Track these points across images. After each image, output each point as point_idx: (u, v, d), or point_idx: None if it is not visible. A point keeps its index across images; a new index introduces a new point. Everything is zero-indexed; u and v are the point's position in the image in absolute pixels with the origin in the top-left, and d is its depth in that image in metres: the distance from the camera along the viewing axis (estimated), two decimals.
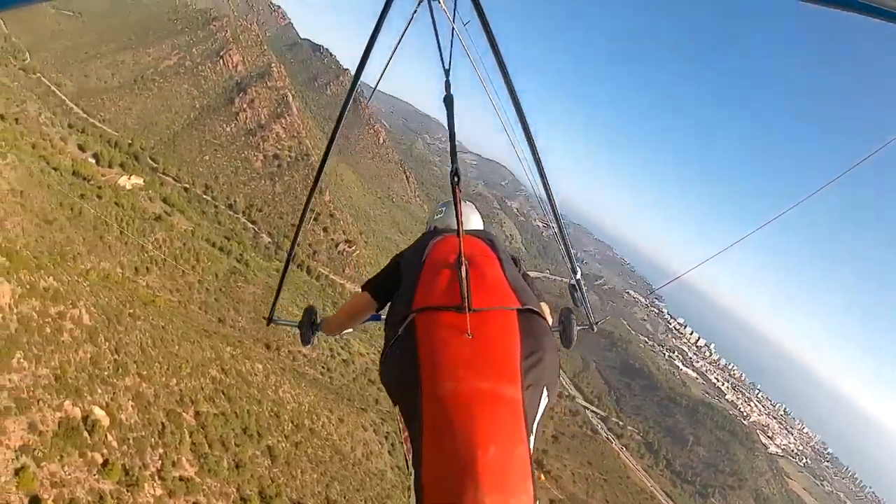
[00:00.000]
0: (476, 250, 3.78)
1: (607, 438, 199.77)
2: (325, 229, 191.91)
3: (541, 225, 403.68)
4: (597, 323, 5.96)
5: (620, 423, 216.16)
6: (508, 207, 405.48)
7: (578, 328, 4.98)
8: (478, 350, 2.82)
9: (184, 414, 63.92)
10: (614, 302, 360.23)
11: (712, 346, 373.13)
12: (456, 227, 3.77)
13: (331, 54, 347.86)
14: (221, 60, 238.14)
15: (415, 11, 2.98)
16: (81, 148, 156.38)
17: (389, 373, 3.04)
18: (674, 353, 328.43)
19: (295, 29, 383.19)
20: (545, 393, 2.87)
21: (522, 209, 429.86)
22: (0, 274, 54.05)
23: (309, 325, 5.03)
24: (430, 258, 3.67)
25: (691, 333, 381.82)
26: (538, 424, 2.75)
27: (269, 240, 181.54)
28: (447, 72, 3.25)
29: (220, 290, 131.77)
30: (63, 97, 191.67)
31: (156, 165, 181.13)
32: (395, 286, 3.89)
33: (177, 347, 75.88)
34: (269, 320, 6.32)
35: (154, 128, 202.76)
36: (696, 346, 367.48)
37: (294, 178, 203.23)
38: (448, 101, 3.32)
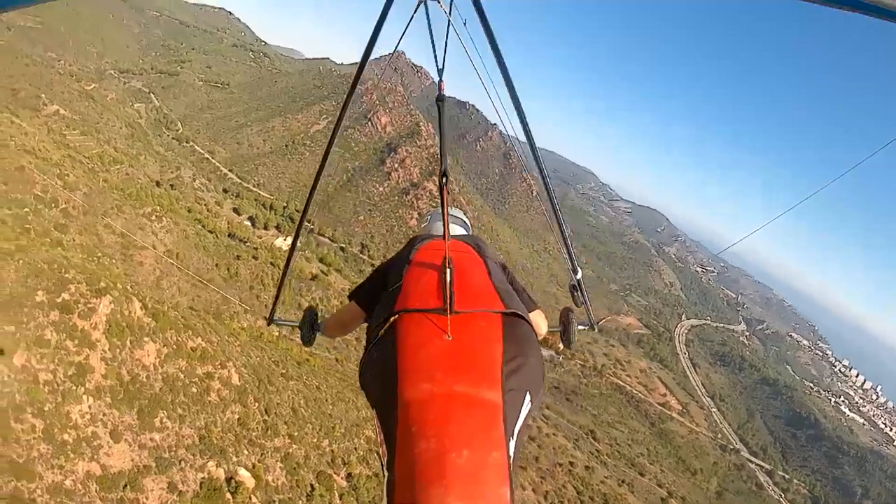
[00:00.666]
0: (462, 254, 3.81)
1: (773, 493, 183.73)
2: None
3: (699, 270, 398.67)
4: (597, 323, 5.80)
5: (786, 476, 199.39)
6: (666, 254, 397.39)
7: (580, 328, 5.01)
8: (458, 353, 2.80)
9: (335, 476, 60.53)
10: (777, 346, 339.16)
11: (879, 389, 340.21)
12: (441, 234, 4.38)
13: (477, 110, 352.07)
14: (370, 122, 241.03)
15: (415, 11, 2.93)
16: (237, 211, 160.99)
17: (368, 374, 3.00)
18: (840, 397, 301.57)
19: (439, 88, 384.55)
20: (527, 398, 2.80)
21: (680, 255, 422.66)
22: (146, 334, 52.18)
23: (309, 326, 4.92)
24: (414, 262, 3.64)
25: (857, 375, 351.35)
26: (519, 430, 2.70)
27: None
28: (440, 72, 3.31)
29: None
30: (217, 164, 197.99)
31: (311, 227, 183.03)
32: (380, 293, 3.83)
33: (331, 407, 74.59)
34: (270, 321, 6.19)
35: (307, 190, 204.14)
36: (863, 389, 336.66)
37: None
38: (441, 101, 3.35)
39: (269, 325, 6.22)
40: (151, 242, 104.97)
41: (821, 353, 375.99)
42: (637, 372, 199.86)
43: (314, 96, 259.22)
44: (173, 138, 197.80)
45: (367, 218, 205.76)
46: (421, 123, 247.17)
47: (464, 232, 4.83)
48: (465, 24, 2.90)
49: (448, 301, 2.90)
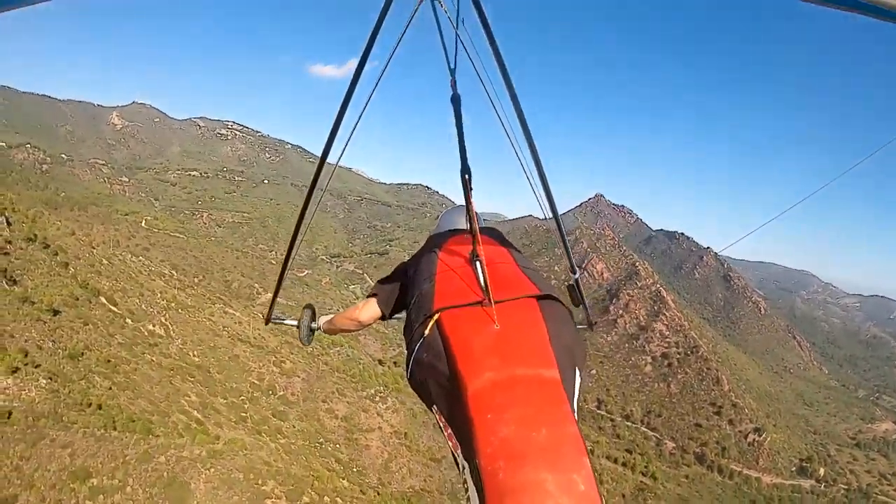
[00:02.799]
0: (488, 245, 3.76)
1: None
2: (730, 421, 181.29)
3: None
4: (595, 322, 6.08)
5: None
6: None
7: (578, 327, 4.38)
8: (509, 339, 2.88)
9: None
10: None
11: None
12: (459, 228, 4.41)
13: (687, 237, 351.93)
14: (586, 272, 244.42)
15: (415, 11, 2.89)
16: None
17: (421, 375, 3.02)
18: None
19: (644, 223, 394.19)
20: (577, 373, 2.94)
21: None
22: None
23: (308, 324, 5.21)
24: (442, 259, 3.69)
25: None
26: (577, 405, 2.80)
27: (673, 444, 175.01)
28: (452, 71, 3.28)
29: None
30: None
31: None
32: (402, 294, 4.09)
33: None
34: (268, 320, 6.30)
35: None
36: None
37: (688, 374, 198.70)
38: (455, 101, 3.36)
39: (266, 324, 6.38)
40: (377, 424, 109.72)
41: None
42: None
43: (525, 253, 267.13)
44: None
45: (600, 370, 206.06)
46: (637, 263, 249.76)
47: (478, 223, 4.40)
48: (462, 22, 3.15)
49: (487, 292, 3.11)
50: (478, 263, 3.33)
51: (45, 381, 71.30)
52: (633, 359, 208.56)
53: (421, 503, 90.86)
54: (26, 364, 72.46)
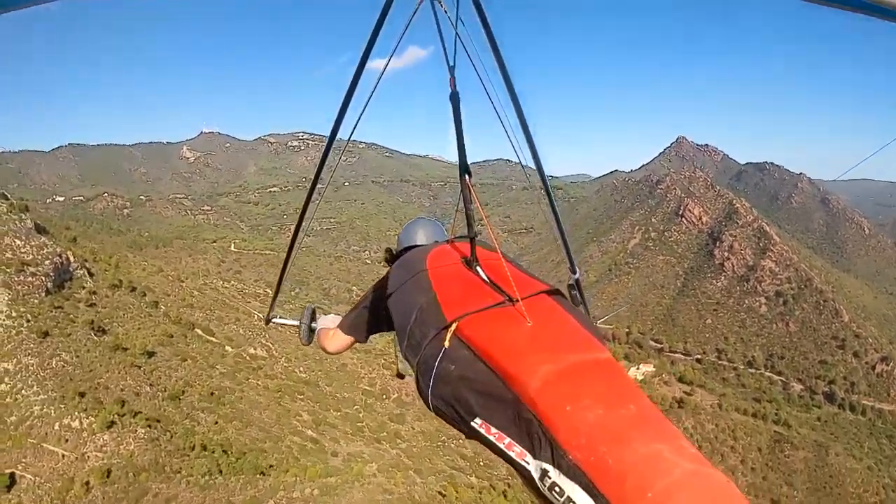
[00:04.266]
0: (480, 249, 3.82)
1: None
2: (854, 354, 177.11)
3: None
4: (596, 322, 5.71)
5: None
6: None
7: None
8: (548, 332, 2.91)
9: None
10: None
11: None
12: (427, 242, 4.71)
13: (777, 166, 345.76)
14: (682, 219, 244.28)
15: (416, 11, 3.04)
16: None
17: (452, 389, 2.83)
18: None
19: (732, 159, 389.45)
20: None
21: None
22: None
23: (308, 324, 5.34)
24: (433, 271, 3.63)
25: None
26: None
27: (801, 386, 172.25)
28: (452, 69, 3.29)
29: (766, 466, 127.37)
30: None
31: (661, 346, 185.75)
32: (376, 316, 4.27)
33: None
34: (268, 320, 6.40)
35: (645, 309, 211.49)
36: None
37: (805, 309, 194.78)
38: (454, 98, 3.34)
39: (266, 324, 6.31)
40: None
41: None
42: None
43: (618, 211, 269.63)
44: None
45: (714, 319, 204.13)
46: (734, 202, 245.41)
47: (444, 236, 4.89)
48: (461, 20, 2.99)
49: (502, 291, 3.13)
50: (478, 268, 3.52)
51: (143, 431, 73.89)
52: (746, 302, 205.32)
53: None
54: (123, 415, 75.05)
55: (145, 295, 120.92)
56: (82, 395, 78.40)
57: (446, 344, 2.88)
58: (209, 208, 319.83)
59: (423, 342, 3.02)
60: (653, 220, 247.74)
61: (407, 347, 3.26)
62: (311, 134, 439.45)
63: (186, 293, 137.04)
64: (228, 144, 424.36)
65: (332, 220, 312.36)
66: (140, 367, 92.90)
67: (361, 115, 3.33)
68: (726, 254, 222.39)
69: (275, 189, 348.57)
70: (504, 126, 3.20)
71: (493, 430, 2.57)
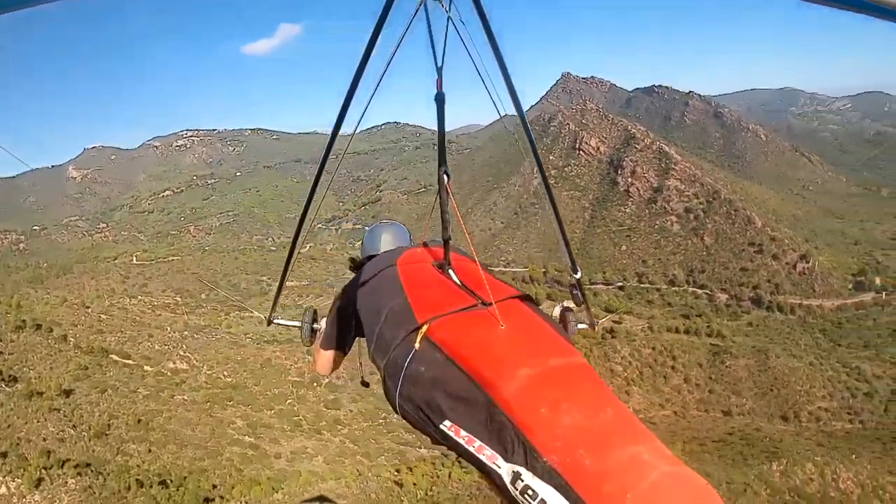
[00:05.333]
0: (450, 255, 3.80)
1: None
2: (773, 256, 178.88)
3: None
4: (597, 322, 5.76)
5: None
6: None
7: (580, 326, 5.06)
8: (522, 336, 2.90)
9: None
10: None
11: None
12: (394, 248, 4.59)
13: (665, 87, 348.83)
14: (580, 152, 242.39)
15: (416, 11, 2.89)
16: None
17: (421, 391, 2.81)
18: None
19: (619, 87, 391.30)
20: None
21: None
22: None
23: (310, 325, 5.00)
24: (403, 273, 3.64)
25: None
26: None
27: (727, 296, 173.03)
28: (440, 70, 3.19)
29: (710, 379, 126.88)
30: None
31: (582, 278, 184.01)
32: (346, 322, 4.14)
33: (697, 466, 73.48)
34: (270, 321, 6.05)
35: (558, 246, 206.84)
36: None
37: (717, 221, 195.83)
38: (439, 99, 3.32)
39: (268, 325, 6.28)
40: None
41: None
42: None
43: (515, 154, 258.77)
44: None
45: (629, 244, 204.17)
46: (629, 127, 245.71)
47: (408, 241, 5.05)
48: (461, 21, 3.08)
49: (474, 294, 3.23)
50: (451, 271, 3.54)
51: (73, 481, 67.60)
52: (657, 223, 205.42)
53: None
54: (50, 467, 68.35)
55: (52, 330, 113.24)
56: (4, 455, 70.42)
57: (417, 346, 2.92)
58: (105, 225, 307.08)
59: (393, 343, 3.07)
60: (551, 157, 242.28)
61: (375, 349, 3.34)
62: (194, 130, 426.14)
63: (94, 319, 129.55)
64: (114, 156, 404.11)
65: (229, 213, 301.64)
66: (59, 410, 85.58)
67: (363, 116, 3.48)
68: (630, 179, 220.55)
69: (168, 193, 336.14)
70: (505, 125, 3.69)
71: (463, 433, 2.60)
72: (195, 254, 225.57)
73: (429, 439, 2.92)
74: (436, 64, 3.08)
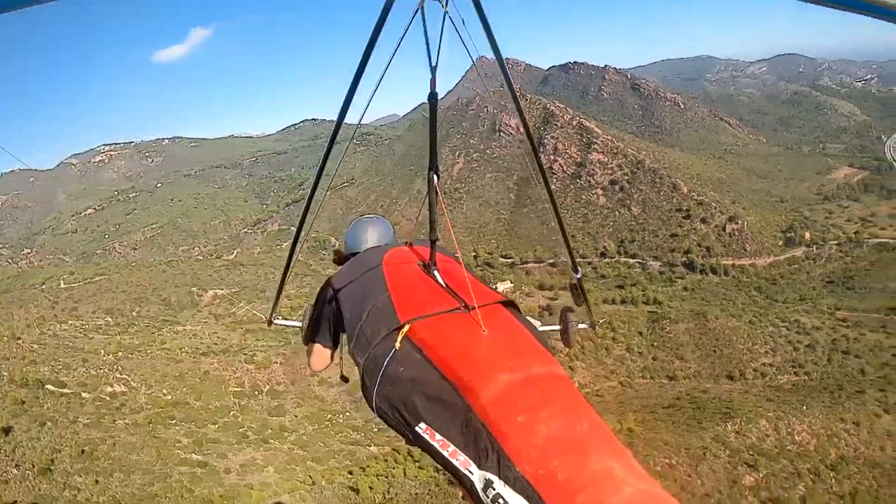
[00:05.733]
0: (437, 254, 3.78)
1: None
2: (702, 220, 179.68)
3: (860, 84, 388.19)
4: (598, 322, 6.01)
5: None
6: (825, 88, 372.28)
7: (581, 326, 5.17)
8: (504, 342, 2.88)
9: None
10: None
11: None
12: (380, 244, 4.70)
13: (580, 63, 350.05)
14: (501, 133, 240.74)
15: (416, 11, 2.84)
16: None
17: (398, 392, 2.83)
18: None
19: (534, 66, 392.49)
20: None
21: (835, 80, 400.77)
22: None
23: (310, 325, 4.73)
24: (389, 272, 3.65)
25: None
26: None
27: (659, 263, 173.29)
28: (433, 70, 3.14)
29: (652, 347, 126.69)
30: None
31: (511, 260, 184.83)
32: (333, 316, 4.05)
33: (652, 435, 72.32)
34: (270, 321, 6.01)
35: (486, 228, 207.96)
36: None
37: (643, 190, 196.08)
38: (433, 99, 3.30)
39: (269, 325, 6.19)
40: None
41: None
42: (885, 216, 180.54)
43: (438, 140, 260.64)
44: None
45: (557, 221, 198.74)
46: (548, 105, 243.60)
47: (392, 237, 5.03)
48: (463, 22, 2.92)
49: (458, 297, 3.15)
50: (436, 272, 3.54)
51: None
52: (583, 197, 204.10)
53: None
54: None
55: None
56: None
57: (397, 345, 2.95)
58: (29, 251, 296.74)
59: (373, 341, 3.10)
60: (471, 141, 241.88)
61: (355, 346, 3.37)
62: (112, 145, 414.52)
63: (27, 350, 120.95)
64: (32, 178, 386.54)
65: (153, 226, 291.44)
66: (0, 450, 79.49)
67: (362, 117, 3.48)
68: (552, 156, 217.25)
69: (90, 211, 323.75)
70: (507, 125, 3.71)
71: (438, 436, 2.60)
72: (123, 271, 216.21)
73: (403, 439, 2.93)
74: (430, 63, 3.05)
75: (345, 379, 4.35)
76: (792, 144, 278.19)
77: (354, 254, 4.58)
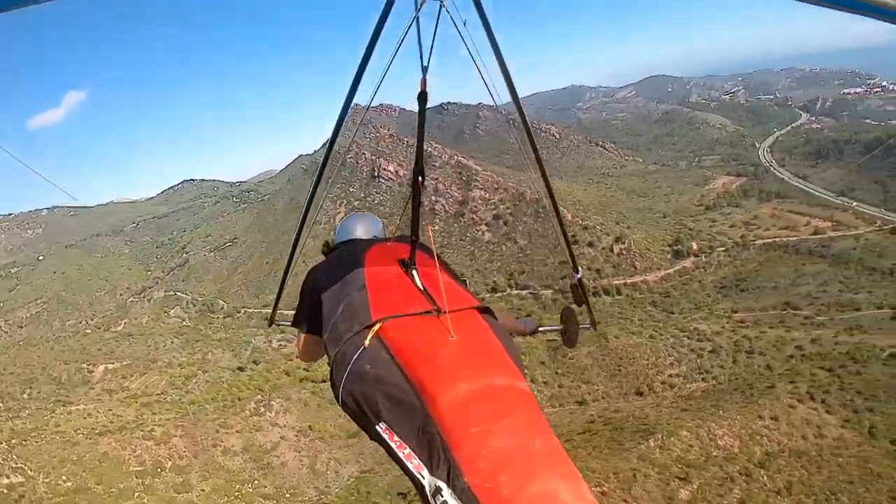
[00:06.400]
0: (419, 254, 3.84)
1: None
2: (589, 244, 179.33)
3: (727, 97, 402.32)
4: (598, 322, 6.27)
5: None
6: (693, 104, 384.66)
7: (582, 327, 5.41)
8: (471, 349, 2.93)
9: None
10: (847, 110, 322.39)
11: None
12: (367, 237, 4.75)
13: (454, 104, 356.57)
14: (380, 179, 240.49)
15: (417, 11, 2.86)
16: None
17: (363, 388, 2.87)
18: None
19: (408, 110, 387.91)
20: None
21: (703, 95, 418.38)
22: None
23: None
24: (369, 268, 3.67)
25: None
26: None
27: (550, 291, 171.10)
28: (425, 69, 3.13)
29: (557, 374, 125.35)
30: (283, 311, 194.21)
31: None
32: (316, 307, 3.95)
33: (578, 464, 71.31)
34: (271, 322, 6.48)
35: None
36: None
37: (527, 222, 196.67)
38: (422, 98, 3.33)
39: (270, 326, 6.46)
40: (279, 435, 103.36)
41: (880, 87, 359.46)
42: (768, 218, 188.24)
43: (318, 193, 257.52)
44: (225, 317, 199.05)
45: (452, 259, 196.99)
46: (425, 147, 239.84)
47: (381, 232, 4.97)
48: (465, 23, 2.91)
49: (432, 300, 3.16)
50: (415, 272, 3.57)
51: None
52: (468, 235, 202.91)
53: (370, 485, 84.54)
54: None
55: None
56: None
57: (367, 342, 2.99)
58: None
59: (345, 336, 3.15)
60: (351, 189, 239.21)
61: (328, 338, 3.40)
62: None
63: None
64: None
65: (38, 301, 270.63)
66: None
67: (363, 119, 3.71)
68: (434, 197, 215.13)
69: None
70: (508, 127, 4.14)
71: (396, 437, 2.67)
72: (10, 351, 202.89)
73: (366, 435, 2.93)
74: (422, 63, 3.05)
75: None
76: (668, 161, 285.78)
77: (344, 243, 4.63)
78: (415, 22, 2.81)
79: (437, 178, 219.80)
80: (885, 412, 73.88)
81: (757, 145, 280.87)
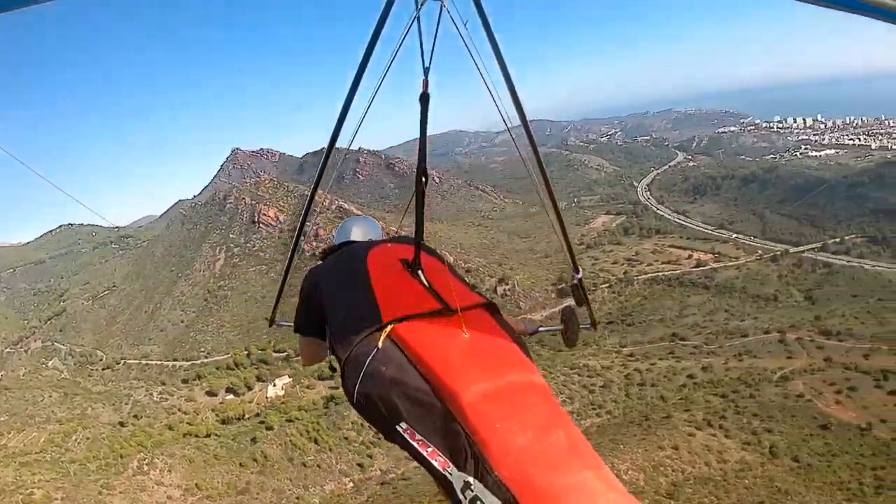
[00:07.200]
0: (423, 254, 3.75)
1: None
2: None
3: (605, 139, 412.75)
4: (599, 322, 6.22)
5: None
6: (572, 146, 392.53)
7: (582, 327, 5.24)
8: (484, 347, 2.94)
9: None
10: (723, 148, 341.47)
11: (820, 116, 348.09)
12: (367, 240, 4.70)
13: (335, 148, 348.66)
14: (260, 225, 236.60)
15: (417, 11, 2.91)
16: (211, 393, 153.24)
17: (380, 390, 2.85)
18: (799, 148, 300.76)
19: (289, 155, 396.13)
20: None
21: (580, 137, 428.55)
22: None
23: None
24: (373, 269, 3.63)
25: (794, 121, 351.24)
26: None
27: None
28: (427, 70, 3.09)
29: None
30: (161, 362, 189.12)
31: (285, 353, 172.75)
32: (318, 310, 3.94)
33: None
34: (272, 322, 6.55)
35: (255, 325, 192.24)
36: (812, 126, 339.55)
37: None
38: (424, 100, 3.20)
39: (270, 326, 6.43)
40: (164, 495, 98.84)
41: (753, 125, 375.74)
42: (650, 253, 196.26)
43: (194, 239, 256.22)
44: (104, 369, 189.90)
45: None
46: (304, 192, 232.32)
47: (380, 235, 5.01)
48: (465, 24, 2.95)
49: (441, 299, 3.15)
50: (420, 272, 3.51)
51: None
52: None
53: None
54: None
55: None
56: None
57: (380, 344, 2.96)
58: None
59: (356, 338, 3.11)
60: (231, 235, 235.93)
61: (335, 340, 3.41)
62: None
63: None
64: None
65: None
66: None
67: (361, 122, 3.73)
68: (315, 242, 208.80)
69: None
70: (509, 129, 4.13)
71: (418, 437, 2.68)
72: None
73: (381, 434, 2.94)
74: (423, 64, 3.03)
75: (332, 369, 4.04)
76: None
77: (343, 244, 4.60)
78: (415, 22, 2.82)
79: (318, 224, 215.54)
80: (783, 431, 76.08)
81: (636, 184, 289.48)
